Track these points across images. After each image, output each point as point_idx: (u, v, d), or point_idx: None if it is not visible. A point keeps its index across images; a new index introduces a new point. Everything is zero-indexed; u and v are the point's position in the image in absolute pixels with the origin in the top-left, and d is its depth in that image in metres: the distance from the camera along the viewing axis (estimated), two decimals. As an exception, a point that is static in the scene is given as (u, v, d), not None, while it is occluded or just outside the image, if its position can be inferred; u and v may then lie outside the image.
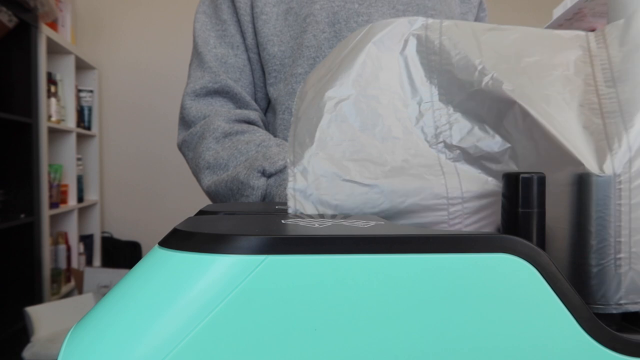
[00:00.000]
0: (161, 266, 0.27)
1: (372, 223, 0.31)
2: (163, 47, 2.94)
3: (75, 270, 2.58)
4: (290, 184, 0.38)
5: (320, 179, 0.37)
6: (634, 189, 0.33)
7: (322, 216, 0.36)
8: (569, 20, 0.53)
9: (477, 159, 0.38)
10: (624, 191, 0.33)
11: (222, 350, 0.24)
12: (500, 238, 0.27)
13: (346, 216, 0.36)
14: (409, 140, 0.38)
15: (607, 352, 0.27)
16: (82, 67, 2.76)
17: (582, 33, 0.40)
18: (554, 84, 0.37)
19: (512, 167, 0.38)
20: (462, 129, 0.39)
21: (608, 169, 0.33)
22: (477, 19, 0.84)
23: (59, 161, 2.54)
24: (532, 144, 0.36)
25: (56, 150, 2.54)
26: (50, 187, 2.32)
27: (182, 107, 0.76)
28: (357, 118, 0.38)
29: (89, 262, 2.84)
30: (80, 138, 2.72)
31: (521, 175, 0.32)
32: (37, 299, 2.07)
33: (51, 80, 2.39)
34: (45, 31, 2.20)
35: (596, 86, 0.37)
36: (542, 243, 0.32)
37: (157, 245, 0.28)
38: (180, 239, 0.27)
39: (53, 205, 2.36)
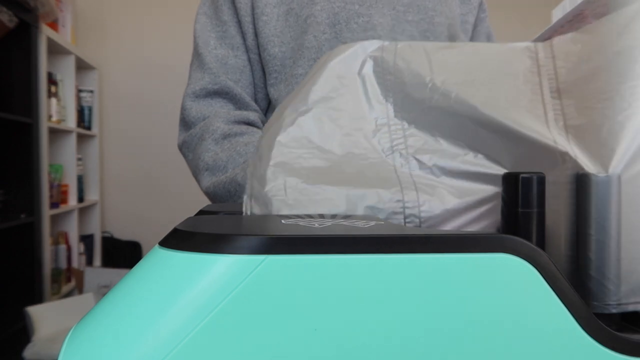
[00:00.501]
0: (161, 266, 0.27)
1: (372, 223, 0.31)
2: (163, 47, 2.94)
3: (76, 270, 2.58)
4: (247, 193, 0.40)
5: (276, 186, 0.38)
6: (634, 189, 0.33)
7: (322, 216, 0.36)
8: (570, 22, 0.53)
9: (431, 168, 0.39)
10: (623, 191, 0.33)
11: (222, 350, 0.24)
12: (500, 238, 0.27)
13: (346, 216, 0.36)
14: (365, 152, 0.40)
15: (607, 352, 0.27)
16: (82, 67, 2.77)
17: (532, 44, 0.42)
18: (503, 93, 0.39)
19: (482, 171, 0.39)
20: (417, 142, 0.40)
21: (608, 168, 0.33)
22: (478, 19, 0.84)
23: (59, 161, 2.54)
24: (500, 148, 0.38)
25: (56, 150, 2.54)
26: (51, 187, 2.32)
27: (182, 108, 0.76)
28: (315, 131, 0.40)
29: (89, 262, 2.84)
30: (81, 138, 2.72)
31: (521, 175, 0.32)
32: (38, 299, 2.07)
33: (51, 80, 2.39)
34: (45, 31, 2.20)
35: (542, 96, 0.39)
36: (542, 243, 0.32)
37: (157, 245, 0.28)
38: (181, 239, 0.27)
39: (53, 205, 2.36)
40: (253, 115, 0.74)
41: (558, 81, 0.39)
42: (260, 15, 0.74)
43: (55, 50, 2.43)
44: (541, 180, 0.32)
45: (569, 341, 0.27)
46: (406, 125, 0.41)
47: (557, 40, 0.41)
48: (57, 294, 2.39)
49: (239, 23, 0.76)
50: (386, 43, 0.43)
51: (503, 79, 0.40)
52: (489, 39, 0.85)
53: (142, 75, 2.96)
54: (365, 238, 0.26)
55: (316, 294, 0.25)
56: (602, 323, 0.27)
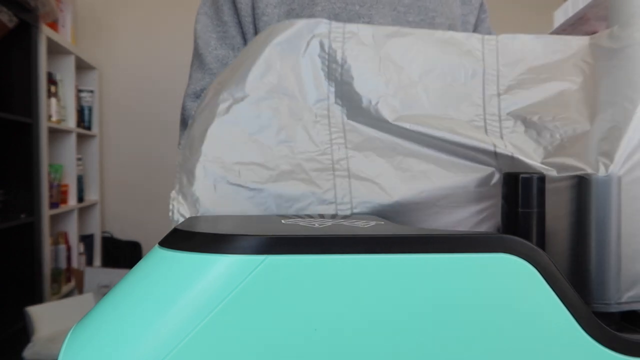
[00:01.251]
0: (161, 266, 0.27)
1: (372, 223, 0.31)
2: (163, 48, 2.94)
3: (76, 270, 2.58)
4: (176, 188, 0.38)
5: (205, 183, 0.37)
6: (634, 189, 0.33)
7: (322, 216, 0.36)
8: (572, 25, 0.53)
9: (372, 162, 0.39)
10: (623, 191, 0.33)
11: (222, 349, 0.24)
12: (500, 238, 0.27)
13: (346, 216, 0.36)
14: (303, 144, 0.39)
15: (607, 352, 0.27)
16: (82, 67, 2.76)
17: (479, 36, 0.42)
18: (449, 100, 0.40)
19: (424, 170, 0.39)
20: (356, 137, 0.40)
21: (608, 169, 0.33)
22: (478, 20, 0.84)
23: (59, 161, 2.54)
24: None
25: (56, 150, 2.53)
26: (51, 187, 2.31)
27: (183, 109, 0.76)
28: (251, 121, 0.39)
29: (89, 262, 2.84)
30: (81, 138, 2.72)
31: (521, 176, 0.32)
32: (38, 299, 2.07)
33: (51, 80, 2.39)
34: (45, 31, 2.20)
35: (483, 95, 0.40)
36: (542, 243, 0.32)
37: (157, 245, 0.28)
38: (181, 239, 0.27)
39: (53, 205, 2.36)
40: None
41: (499, 82, 0.41)
42: (261, 15, 0.74)
43: (55, 50, 2.43)
44: (541, 180, 0.32)
45: (569, 341, 0.27)
46: (346, 118, 0.40)
47: (502, 38, 0.42)
48: (57, 294, 2.39)
49: (240, 24, 0.76)
50: (334, 24, 0.42)
51: (450, 82, 0.40)
52: None
53: (142, 75, 2.96)
54: (365, 238, 0.26)
55: (316, 294, 0.25)
56: (602, 323, 0.27)
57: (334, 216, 0.36)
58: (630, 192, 0.33)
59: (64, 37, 2.57)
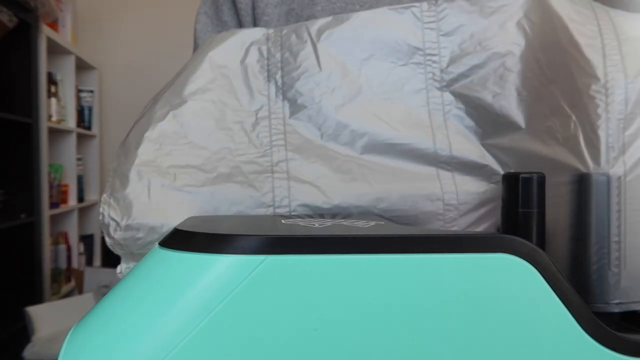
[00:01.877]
0: (161, 266, 0.27)
1: (372, 223, 0.31)
2: (163, 47, 2.94)
3: (76, 270, 2.58)
4: (107, 192, 0.38)
5: (139, 186, 0.37)
6: (634, 189, 0.33)
7: (322, 216, 0.36)
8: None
9: (312, 164, 0.38)
10: (623, 191, 0.32)
11: (222, 350, 0.24)
12: (500, 238, 0.27)
13: (346, 216, 0.36)
14: (242, 146, 0.39)
15: (607, 352, 0.27)
16: (82, 67, 2.76)
17: (417, 9, 0.40)
18: (391, 84, 0.39)
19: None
20: (297, 139, 0.39)
21: (608, 168, 0.33)
22: None
23: (59, 161, 2.54)
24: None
25: (56, 150, 2.53)
26: (51, 187, 2.31)
27: None
28: (188, 126, 0.38)
29: (89, 262, 2.84)
30: (81, 138, 2.72)
31: (521, 176, 0.32)
32: (37, 299, 2.07)
33: (51, 80, 2.39)
34: (45, 31, 2.20)
35: (425, 73, 0.39)
36: (542, 243, 0.32)
37: (157, 245, 0.28)
38: (181, 239, 0.27)
39: (53, 205, 2.36)
40: None
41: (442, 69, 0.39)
42: (261, 15, 0.74)
43: (55, 50, 2.43)
44: (541, 180, 0.32)
45: (569, 341, 0.27)
46: (287, 120, 0.39)
47: (443, 4, 0.40)
48: (57, 294, 2.39)
49: (240, 23, 0.76)
50: (271, 31, 0.42)
51: (388, 62, 0.39)
52: None
53: (142, 75, 2.96)
54: (365, 238, 0.26)
55: (316, 294, 0.25)
56: (602, 323, 0.27)
57: (334, 216, 0.36)
58: (630, 191, 0.33)
59: (64, 37, 2.57)
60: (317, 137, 0.39)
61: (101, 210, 0.38)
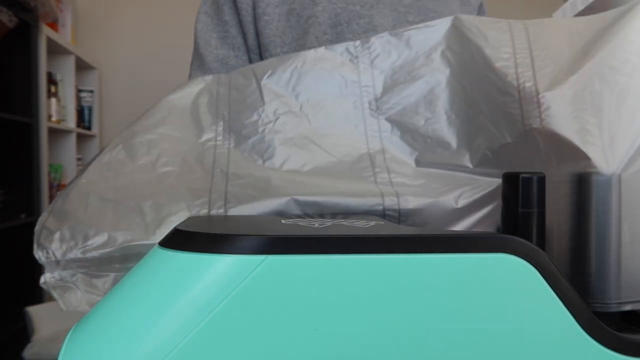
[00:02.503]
0: (162, 266, 0.27)
1: (372, 223, 0.31)
2: (163, 47, 2.94)
3: (76, 270, 2.58)
4: (47, 209, 0.41)
5: (78, 199, 0.39)
6: (635, 188, 0.33)
7: (322, 216, 0.36)
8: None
9: (247, 189, 0.40)
10: (624, 191, 0.33)
11: (222, 350, 0.24)
12: (500, 238, 0.27)
13: (346, 216, 0.36)
14: (186, 170, 0.42)
15: (607, 352, 0.27)
16: (82, 67, 2.76)
17: (353, 44, 0.45)
18: (328, 117, 0.43)
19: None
20: (239, 163, 0.42)
21: (608, 168, 0.33)
22: None
23: (59, 161, 2.54)
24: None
25: (56, 150, 2.53)
26: (51, 187, 2.31)
27: None
28: (136, 154, 0.42)
29: (89, 262, 2.84)
30: (81, 138, 2.72)
31: (521, 175, 0.32)
32: (37, 299, 2.07)
33: (51, 80, 2.39)
34: (45, 31, 2.20)
35: (362, 103, 0.43)
36: (542, 243, 0.32)
37: (157, 245, 0.28)
38: (181, 239, 0.27)
39: (53, 205, 2.36)
40: None
41: (375, 93, 0.43)
42: (262, 15, 0.74)
43: (55, 50, 2.43)
44: (541, 180, 0.32)
45: (569, 341, 0.27)
46: (232, 150, 0.42)
47: (374, 39, 0.44)
48: (57, 294, 2.39)
49: (240, 23, 0.76)
50: (222, 76, 0.47)
51: (323, 99, 0.43)
52: None
53: (142, 75, 2.96)
54: (365, 238, 0.26)
55: (316, 294, 0.25)
56: (602, 323, 0.27)
57: (334, 216, 0.36)
58: (630, 191, 0.33)
59: (64, 37, 2.57)
60: (259, 163, 0.42)
61: (38, 221, 0.40)
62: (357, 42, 0.44)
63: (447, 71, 0.42)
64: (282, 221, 0.31)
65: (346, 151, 0.41)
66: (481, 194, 0.39)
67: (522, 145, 0.37)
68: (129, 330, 0.25)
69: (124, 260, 0.37)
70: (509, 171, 0.35)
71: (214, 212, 0.37)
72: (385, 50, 0.43)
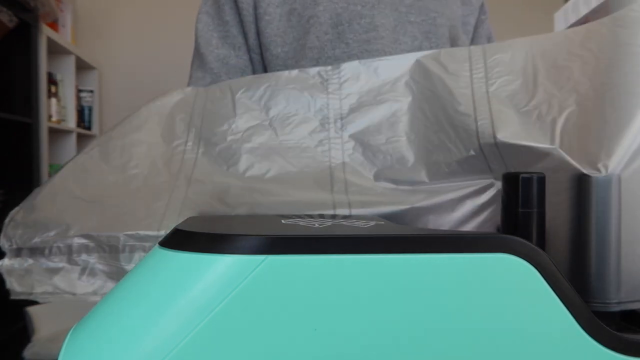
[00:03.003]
0: (162, 266, 0.27)
1: (372, 223, 0.31)
2: (163, 47, 2.94)
3: (76, 270, 2.58)
4: (23, 202, 0.43)
5: (46, 195, 0.42)
6: (635, 188, 0.33)
7: (322, 216, 0.36)
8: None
9: (203, 192, 0.42)
10: (624, 190, 0.33)
11: (222, 350, 0.24)
12: (500, 238, 0.27)
13: (346, 216, 0.36)
14: (153, 174, 0.44)
15: (607, 352, 0.27)
16: (82, 67, 2.76)
17: (323, 70, 0.48)
18: (295, 131, 0.45)
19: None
20: (203, 169, 0.44)
21: (608, 168, 0.33)
22: (479, 21, 0.84)
23: (59, 161, 2.54)
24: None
25: (56, 150, 2.53)
26: (51, 187, 2.32)
27: None
28: (109, 158, 0.45)
29: (89, 262, 2.84)
30: (81, 138, 2.72)
31: (521, 175, 0.32)
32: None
33: (51, 80, 2.39)
34: (45, 31, 2.20)
35: (328, 121, 0.46)
36: (542, 243, 0.32)
37: (157, 245, 0.28)
38: (181, 239, 0.27)
39: (53, 205, 2.36)
40: None
41: (342, 114, 0.46)
42: (263, 15, 0.74)
43: (55, 50, 2.43)
44: (541, 180, 0.32)
45: (569, 341, 0.27)
46: (199, 156, 0.45)
47: (344, 66, 0.47)
48: (57, 294, 2.39)
49: (241, 23, 0.76)
50: (200, 89, 0.50)
51: (293, 116, 0.46)
52: (489, 40, 0.85)
53: (142, 75, 2.96)
54: (365, 238, 0.26)
55: (316, 294, 0.25)
56: (602, 323, 0.27)
57: (334, 216, 0.36)
58: (630, 191, 0.33)
59: (64, 37, 2.57)
60: (224, 169, 0.44)
61: (10, 213, 0.42)
62: (329, 67, 0.48)
63: (409, 98, 0.46)
64: (282, 221, 0.31)
65: (308, 163, 0.44)
66: (432, 204, 0.40)
67: (477, 158, 0.40)
68: (129, 330, 0.25)
69: (80, 251, 0.38)
70: (508, 172, 0.35)
71: (170, 213, 0.39)
72: (354, 76, 0.47)
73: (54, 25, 2.44)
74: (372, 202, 0.40)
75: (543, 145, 0.37)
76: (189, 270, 0.25)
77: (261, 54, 0.76)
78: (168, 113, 0.47)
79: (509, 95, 0.41)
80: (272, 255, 0.25)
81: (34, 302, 0.40)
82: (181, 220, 0.38)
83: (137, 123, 0.47)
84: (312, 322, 0.25)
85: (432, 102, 0.44)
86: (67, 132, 2.58)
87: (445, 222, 0.40)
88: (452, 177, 0.41)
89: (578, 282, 0.32)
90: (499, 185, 0.39)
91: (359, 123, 0.46)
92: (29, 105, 2.12)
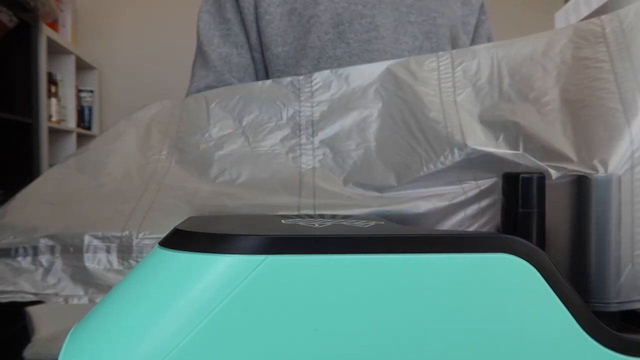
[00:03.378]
0: (161, 266, 0.27)
1: (372, 223, 0.31)
2: (163, 47, 2.94)
3: (76, 270, 2.58)
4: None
5: (20, 202, 0.44)
6: (635, 189, 0.33)
7: (322, 216, 0.36)
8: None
9: (173, 196, 0.43)
10: (624, 190, 0.33)
11: (222, 350, 0.24)
12: (500, 238, 0.27)
13: (346, 216, 0.36)
14: (126, 181, 0.45)
15: (607, 352, 0.27)
16: (82, 67, 2.76)
17: (296, 79, 0.49)
18: (267, 138, 0.46)
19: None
20: (173, 180, 0.45)
21: (608, 168, 0.33)
22: (479, 21, 0.84)
23: (59, 161, 2.54)
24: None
25: (56, 150, 2.53)
26: (51, 187, 2.31)
27: None
28: (85, 167, 0.46)
29: (89, 262, 2.83)
30: (81, 138, 2.72)
31: (521, 175, 0.32)
32: (38, 299, 2.07)
33: (51, 80, 2.39)
34: (45, 31, 2.20)
35: (299, 127, 0.47)
36: (542, 243, 0.32)
37: (157, 245, 0.28)
38: (181, 239, 0.27)
39: (53, 205, 2.35)
40: None
41: (313, 119, 0.47)
42: (264, 14, 0.74)
43: (55, 50, 2.43)
44: (541, 180, 0.32)
45: (569, 341, 0.27)
46: (173, 163, 0.45)
47: (318, 75, 0.48)
48: (57, 294, 2.39)
49: (243, 21, 0.76)
50: (178, 100, 0.51)
51: (267, 123, 0.47)
52: (489, 40, 0.85)
53: (142, 75, 2.96)
54: (365, 238, 0.26)
55: (316, 294, 0.25)
56: (602, 323, 0.27)
57: (334, 216, 0.36)
58: (630, 191, 0.33)
59: (64, 37, 2.57)
60: (195, 176, 0.44)
61: None
62: (301, 77, 0.49)
63: (379, 104, 0.47)
64: (282, 221, 0.31)
65: (279, 169, 0.44)
66: (397, 209, 0.41)
67: (446, 164, 0.41)
68: (129, 330, 0.25)
69: (45, 252, 0.39)
70: (508, 172, 0.36)
71: (136, 215, 0.40)
72: (325, 85, 0.48)
73: (54, 25, 2.44)
74: (337, 204, 0.40)
75: (510, 151, 0.38)
76: (189, 270, 0.25)
77: (262, 54, 0.76)
78: (146, 125, 0.48)
79: (476, 104, 0.43)
80: (272, 255, 0.25)
81: (34, 303, 0.40)
82: (146, 222, 0.38)
83: (114, 135, 0.48)
84: (312, 322, 0.25)
85: (402, 108, 0.45)
86: (67, 132, 2.58)
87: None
88: (422, 183, 0.41)
89: (578, 282, 0.32)
90: (468, 191, 0.40)
91: (330, 129, 0.47)
92: (29, 105, 2.12)
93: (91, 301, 0.38)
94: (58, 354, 0.26)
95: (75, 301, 0.39)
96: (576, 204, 0.33)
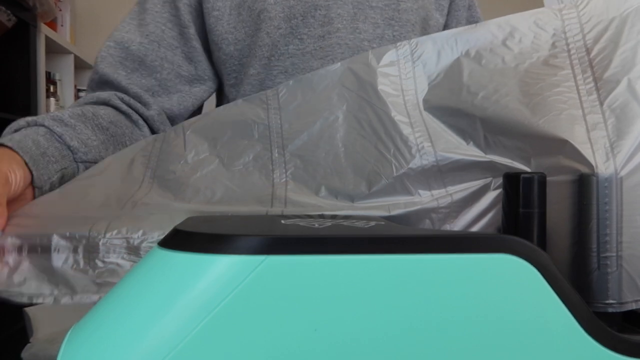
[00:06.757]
0: (161, 266, 0.27)
1: (372, 223, 0.31)
2: (162, 47, 2.94)
3: (75, 270, 2.58)
4: None
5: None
6: (635, 189, 0.33)
7: (322, 216, 0.36)
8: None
9: (151, 209, 0.44)
10: (624, 191, 0.33)
11: (222, 350, 0.24)
12: (500, 238, 0.27)
13: (346, 216, 0.36)
14: (105, 203, 0.45)
15: (607, 353, 0.27)
16: (81, 66, 2.76)
17: (263, 94, 0.50)
18: (240, 156, 0.47)
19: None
20: (152, 199, 0.45)
21: (609, 169, 0.33)
22: (452, 4, 0.79)
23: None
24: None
25: (55, 150, 2.53)
26: (50, 186, 2.31)
27: (100, 58, 0.68)
28: (68, 195, 0.46)
29: (88, 261, 2.83)
30: (80, 138, 2.72)
31: (522, 176, 0.32)
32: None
33: (50, 80, 2.38)
34: (44, 30, 2.20)
35: (270, 143, 0.48)
36: (542, 243, 0.32)
37: (157, 245, 0.28)
38: (180, 239, 0.27)
39: (52, 205, 2.35)
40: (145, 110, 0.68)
41: (282, 133, 0.47)
42: (211, 10, 0.69)
43: (54, 49, 2.43)
44: (542, 180, 0.32)
45: (570, 342, 0.27)
46: (151, 192, 0.46)
47: (282, 86, 0.49)
48: (56, 294, 2.39)
49: (195, 26, 0.71)
50: (160, 135, 0.52)
51: (241, 137, 0.48)
52: (470, 9, 0.79)
53: (141, 74, 2.96)
54: (365, 238, 0.26)
55: (316, 294, 0.25)
56: (603, 323, 0.27)
57: (334, 216, 0.36)
58: (631, 191, 0.33)
59: (63, 36, 2.56)
60: (171, 199, 0.45)
61: None
62: (269, 91, 0.50)
63: (344, 107, 0.46)
64: (282, 221, 0.31)
65: (251, 186, 0.45)
66: (368, 213, 0.41)
67: (415, 172, 0.41)
68: (128, 331, 0.25)
69: (12, 251, 0.39)
70: (509, 172, 0.35)
71: (106, 219, 0.40)
72: (292, 94, 0.49)
73: (52, 24, 2.44)
74: (306, 212, 0.40)
75: (479, 157, 0.38)
76: (188, 270, 0.25)
77: (209, 53, 0.72)
78: (130, 159, 0.49)
79: (440, 101, 0.43)
80: (272, 255, 0.25)
81: (33, 303, 0.40)
82: (115, 222, 0.38)
83: (100, 168, 0.49)
84: (312, 322, 0.25)
85: (367, 111, 0.45)
86: (66, 131, 2.57)
87: None
88: (393, 190, 0.41)
89: (579, 283, 0.32)
90: (440, 199, 0.39)
91: (299, 140, 0.47)
92: (28, 105, 2.12)
93: (56, 301, 0.38)
94: (57, 355, 0.26)
95: (40, 300, 0.39)
96: (577, 204, 0.33)
